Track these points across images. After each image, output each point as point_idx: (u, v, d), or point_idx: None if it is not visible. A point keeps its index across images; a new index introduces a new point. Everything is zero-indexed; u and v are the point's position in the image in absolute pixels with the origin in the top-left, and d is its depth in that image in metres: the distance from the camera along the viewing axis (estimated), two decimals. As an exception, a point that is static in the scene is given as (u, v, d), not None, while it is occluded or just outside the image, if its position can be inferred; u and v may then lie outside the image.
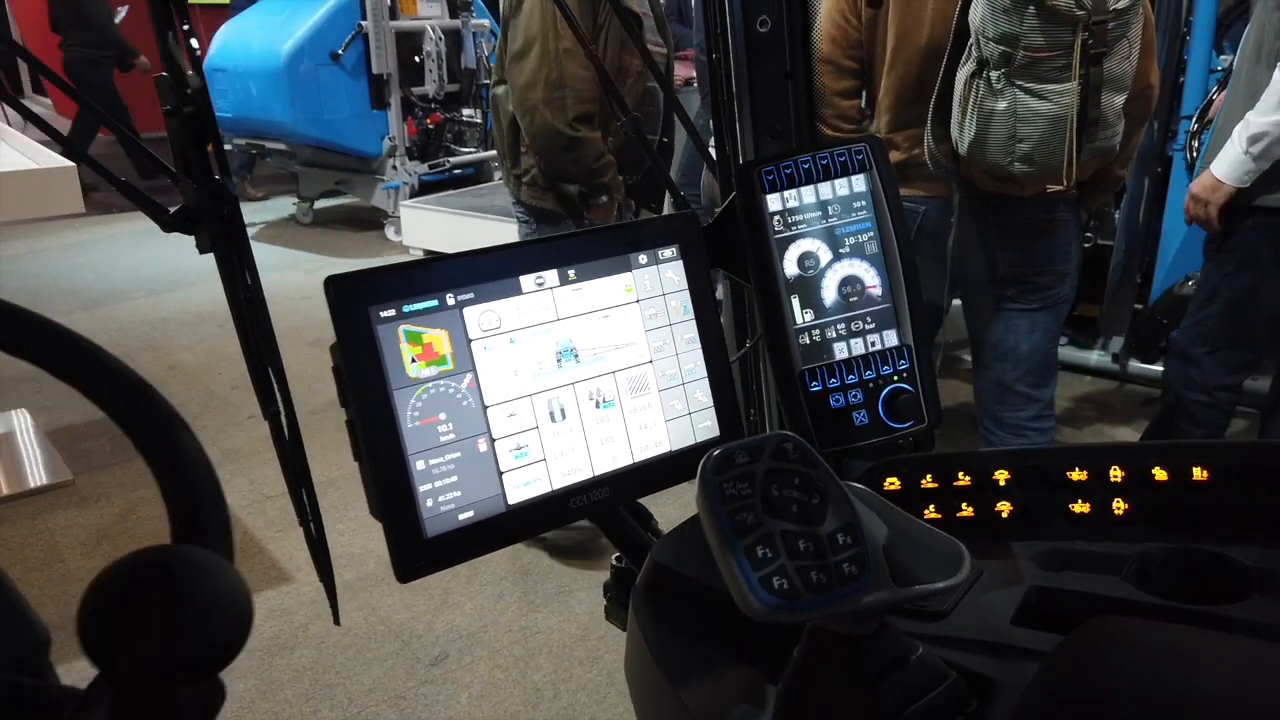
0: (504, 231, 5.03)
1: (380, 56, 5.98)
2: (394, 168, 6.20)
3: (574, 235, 0.83)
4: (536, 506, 0.77)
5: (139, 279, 5.39)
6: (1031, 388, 2.11)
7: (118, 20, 7.39)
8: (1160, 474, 0.73)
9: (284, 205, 7.01)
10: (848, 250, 0.92)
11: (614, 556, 1.00)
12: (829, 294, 0.92)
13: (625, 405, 0.83)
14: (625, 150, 2.55)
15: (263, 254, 5.95)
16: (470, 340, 0.76)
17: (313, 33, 5.89)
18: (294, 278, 5.56)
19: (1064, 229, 1.98)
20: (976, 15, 1.65)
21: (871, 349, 0.92)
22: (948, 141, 1.83)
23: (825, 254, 0.91)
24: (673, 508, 0.91)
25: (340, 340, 0.71)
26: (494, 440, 0.76)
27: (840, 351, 0.92)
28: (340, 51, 5.95)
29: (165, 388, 3.49)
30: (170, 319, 4.82)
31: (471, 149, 6.63)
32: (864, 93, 2.10)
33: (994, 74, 1.66)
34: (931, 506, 0.80)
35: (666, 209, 3.09)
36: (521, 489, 0.77)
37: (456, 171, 6.50)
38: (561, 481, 0.79)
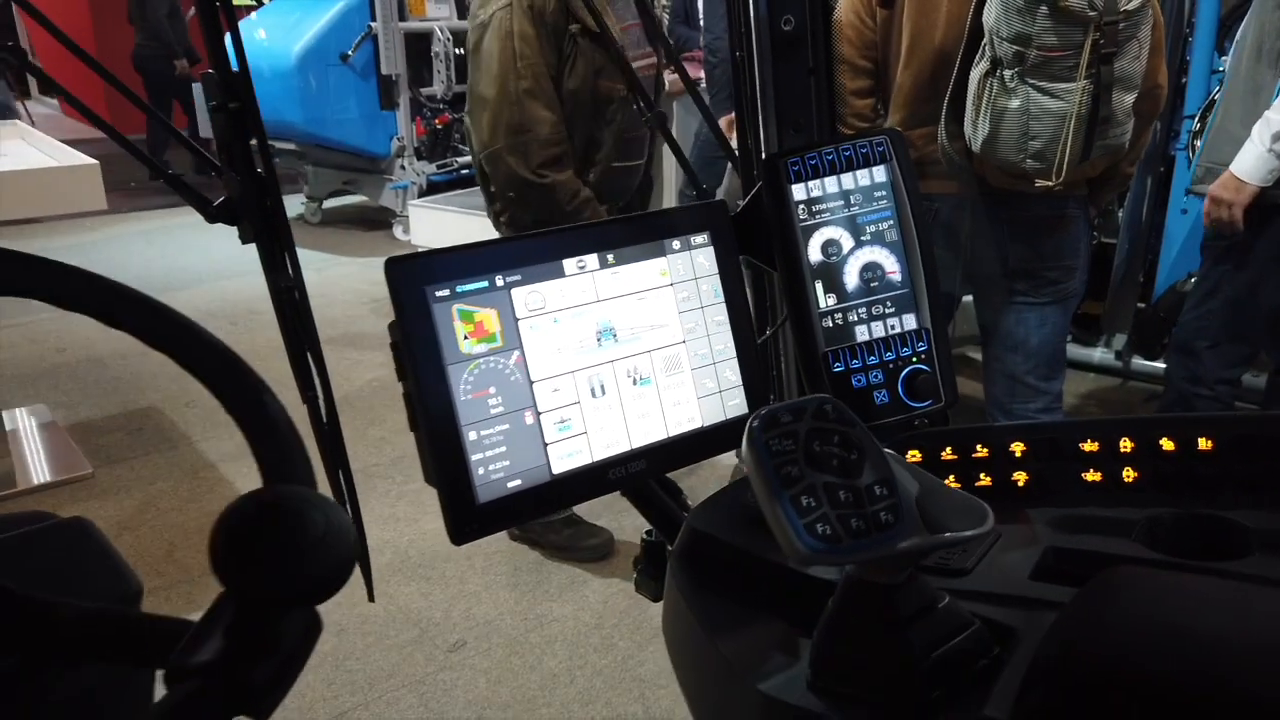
0: (512, 230, 5.07)
1: (389, 57, 6.03)
2: (402, 167, 6.25)
3: (613, 222, 0.88)
4: (578, 476, 0.82)
5: (149, 276, 5.43)
6: (1041, 380, 2.16)
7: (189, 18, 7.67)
8: (1168, 444, 0.78)
9: (293, 205, 7.07)
10: (869, 238, 0.97)
11: (644, 531, 1.05)
12: (851, 279, 0.96)
13: (660, 383, 0.88)
14: (605, 181, 2.42)
15: (273, 253, 6.01)
16: (518, 319, 0.81)
17: (323, 34, 5.94)
18: (305, 276, 5.60)
19: (1074, 225, 2.04)
20: (991, 15, 1.70)
21: (891, 332, 0.97)
22: (961, 139, 1.88)
23: (847, 241, 0.96)
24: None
25: (399, 318, 0.76)
26: (539, 413, 0.81)
27: (862, 334, 0.96)
28: (350, 52, 6.01)
29: (179, 383, 3.55)
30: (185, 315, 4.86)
31: (479, 149, 6.69)
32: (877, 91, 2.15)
33: (1007, 73, 1.71)
34: (951, 476, 0.85)
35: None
36: (565, 460, 0.82)
37: (464, 171, 6.55)
38: (602, 453, 0.84)
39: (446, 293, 0.78)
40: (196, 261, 5.65)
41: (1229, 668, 0.49)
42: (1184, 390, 2.69)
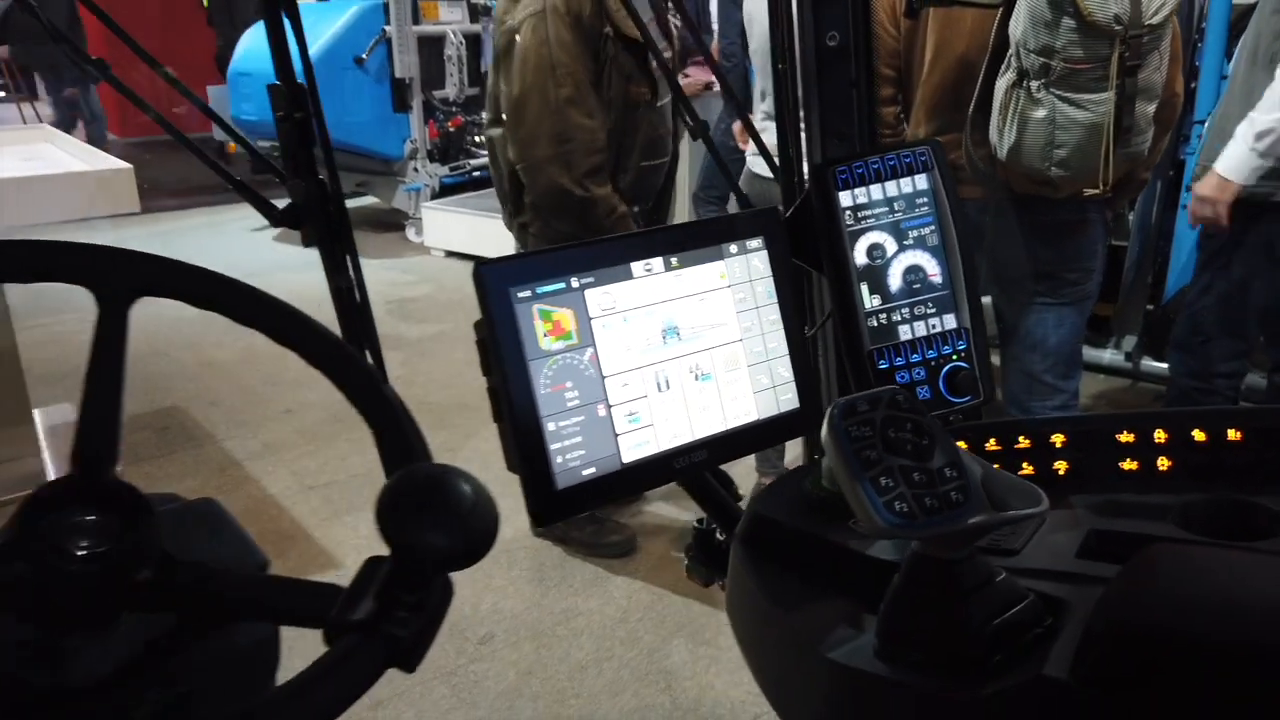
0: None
1: (403, 61, 6.10)
2: (415, 170, 6.32)
3: (676, 228, 0.94)
4: (646, 465, 0.88)
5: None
6: (1059, 379, 2.22)
7: None
8: (1199, 435, 0.83)
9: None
10: (911, 242, 1.03)
11: (695, 520, 1.11)
12: (895, 281, 1.02)
13: (720, 378, 0.93)
14: (636, 183, 2.40)
15: (286, 255, 6.07)
16: (591, 318, 0.86)
17: (338, 38, 6.01)
18: (318, 277, 5.66)
19: (1093, 228, 2.11)
20: (1018, 28, 1.76)
21: (933, 331, 1.03)
22: (986, 146, 1.95)
23: (891, 245, 1.02)
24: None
25: (485, 317, 0.81)
26: (610, 406, 0.87)
27: (905, 333, 1.02)
28: (364, 56, 6.07)
29: (203, 383, 3.60)
30: (201, 317, 4.89)
31: (491, 152, 6.76)
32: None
33: (1034, 84, 1.77)
34: (996, 465, 0.91)
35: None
36: (634, 449, 0.88)
37: (476, 174, 6.62)
38: (668, 444, 0.90)
39: (528, 293, 0.83)
40: (215, 265, 5.70)
41: (1265, 628, 0.55)
42: (1184, 386, 2.77)
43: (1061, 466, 0.87)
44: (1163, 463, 0.84)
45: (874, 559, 0.77)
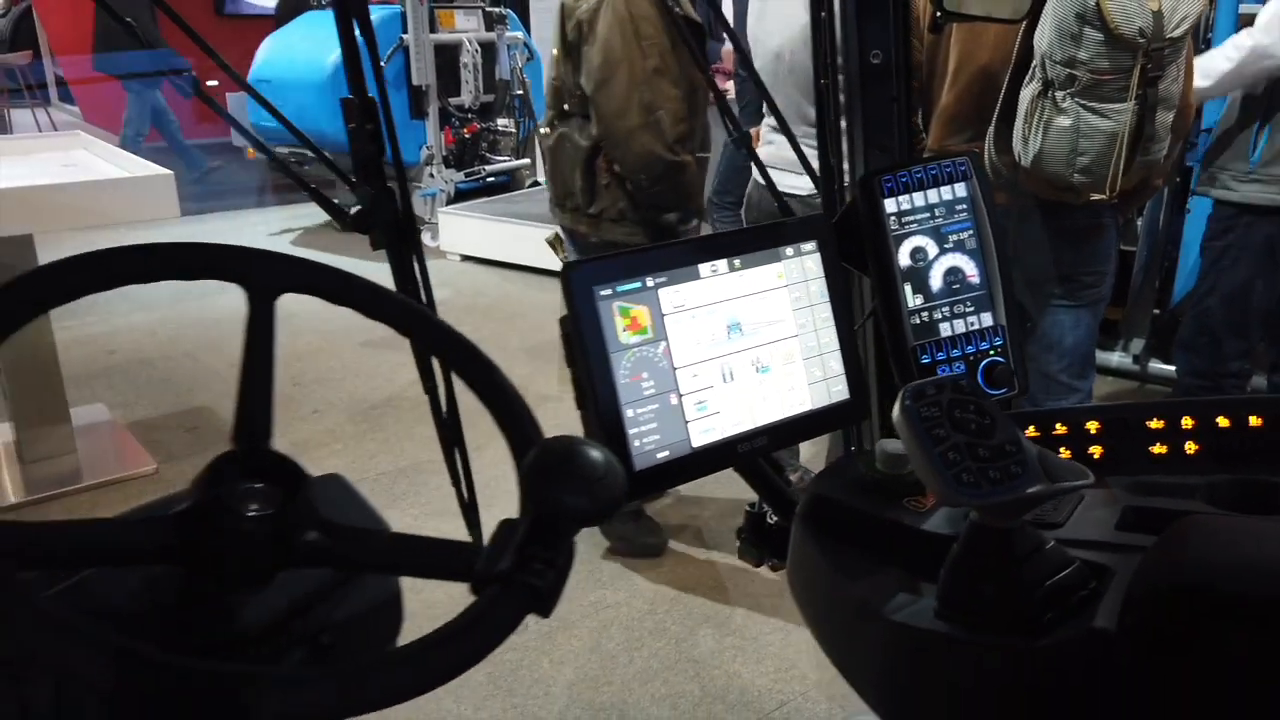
0: (538, 236, 5.21)
1: (420, 68, 6.19)
2: (431, 175, 6.40)
3: (738, 233, 1.02)
4: (714, 449, 0.96)
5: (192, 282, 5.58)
6: (1073, 378, 2.30)
7: None
8: (1223, 421, 0.91)
9: (323, 212, 7.23)
10: (951, 246, 1.11)
11: (748, 504, 1.19)
12: (936, 282, 1.10)
13: (778, 370, 1.01)
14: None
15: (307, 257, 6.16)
16: (664, 315, 0.94)
17: (356, 46, 6.09)
18: (338, 281, 5.74)
19: (1108, 233, 2.19)
20: (1044, 41, 1.85)
21: (971, 328, 1.11)
22: (1009, 153, 2.03)
23: (932, 248, 1.10)
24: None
25: (571, 313, 0.89)
26: (681, 395, 0.95)
27: (945, 330, 1.10)
28: (383, 64, 6.15)
29: (228, 384, 3.67)
30: (224, 319, 5.01)
31: (505, 157, 6.85)
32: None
33: (1059, 93, 1.86)
34: (1035, 450, 0.99)
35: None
36: (703, 435, 0.96)
37: (491, 179, 6.71)
38: (732, 430, 0.97)
39: (609, 292, 0.91)
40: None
41: None
42: (1189, 385, 2.85)
43: (1096, 451, 0.95)
44: (1190, 446, 0.92)
45: (928, 533, 0.85)
